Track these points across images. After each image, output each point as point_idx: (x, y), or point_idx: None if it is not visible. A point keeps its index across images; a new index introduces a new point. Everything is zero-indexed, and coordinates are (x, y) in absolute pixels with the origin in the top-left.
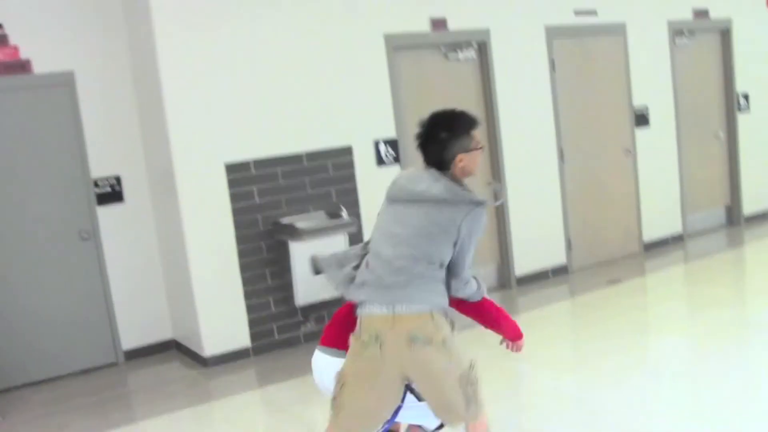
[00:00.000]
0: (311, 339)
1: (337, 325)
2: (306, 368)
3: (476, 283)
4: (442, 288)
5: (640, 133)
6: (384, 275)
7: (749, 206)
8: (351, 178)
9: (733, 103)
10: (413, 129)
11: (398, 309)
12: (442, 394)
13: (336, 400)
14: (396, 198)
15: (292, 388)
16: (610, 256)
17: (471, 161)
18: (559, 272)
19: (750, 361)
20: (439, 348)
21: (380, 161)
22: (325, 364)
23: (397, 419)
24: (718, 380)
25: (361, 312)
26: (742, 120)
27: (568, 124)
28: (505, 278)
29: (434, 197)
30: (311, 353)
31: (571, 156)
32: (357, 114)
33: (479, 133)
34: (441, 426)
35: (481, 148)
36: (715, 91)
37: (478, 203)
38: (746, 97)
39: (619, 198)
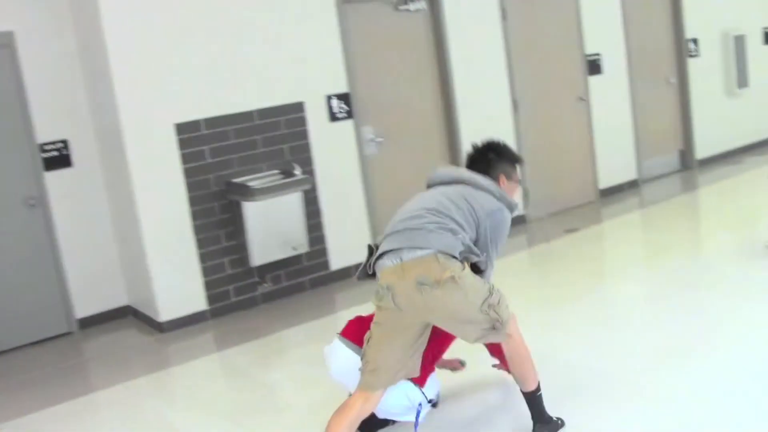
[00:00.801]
0: (269, 299)
1: (361, 321)
2: (264, 328)
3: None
4: (451, 237)
5: (594, 80)
6: (398, 222)
7: (702, 150)
8: (304, 134)
9: (683, 49)
10: (366, 82)
11: (404, 257)
12: (467, 328)
13: (365, 355)
14: (435, 182)
15: (251, 351)
16: (567, 204)
17: (509, 188)
18: (517, 223)
19: (704, 304)
20: (450, 287)
21: (333, 117)
22: (344, 359)
23: (381, 413)
24: (673, 324)
25: (377, 268)
26: (693, 65)
27: (522, 74)
28: None
29: (478, 183)
30: (269, 313)
31: (525, 106)
32: (308, 69)
33: (519, 171)
34: (433, 403)
35: (518, 182)
36: (665, 37)
37: (512, 207)
38: (695, 41)
39: (574, 146)
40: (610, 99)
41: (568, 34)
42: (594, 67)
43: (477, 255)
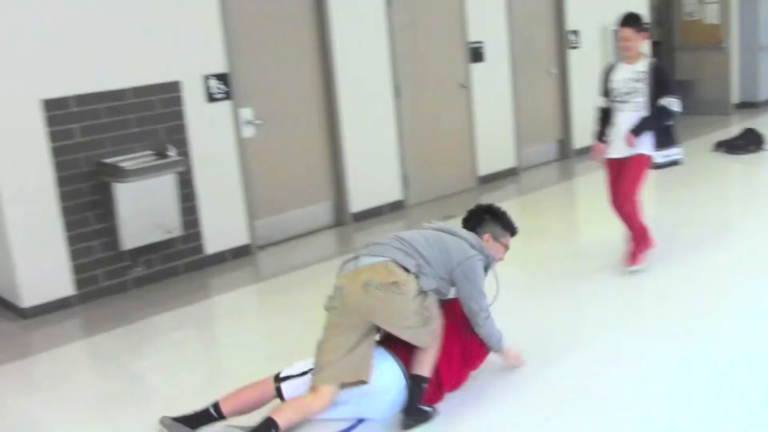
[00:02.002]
0: (141, 284)
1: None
2: (135, 314)
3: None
4: (409, 258)
5: (475, 68)
6: (380, 240)
7: (580, 140)
8: (179, 115)
9: (564, 40)
10: (246, 63)
11: (360, 263)
12: (403, 327)
13: (315, 361)
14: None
15: (120, 337)
16: (446, 190)
17: (492, 247)
18: (396, 208)
19: (580, 290)
20: (393, 290)
21: (211, 97)
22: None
23: (335, 415)
24: (549, 310)
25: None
26: (573, 56)
27: (405, 60)
28: (341, 215)
29: (458, 232)
30: (141, 298)
31: (406, 91)
32: (185, 48)
33: (511, 242)
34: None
35: (506, 249)
36: (547, 28)
37: (488, 259)
38: (576, 33)
39: (455, 133)
40: (492, 87)
41: (452, 22)
42: (476, 54)
43: (444, 293)
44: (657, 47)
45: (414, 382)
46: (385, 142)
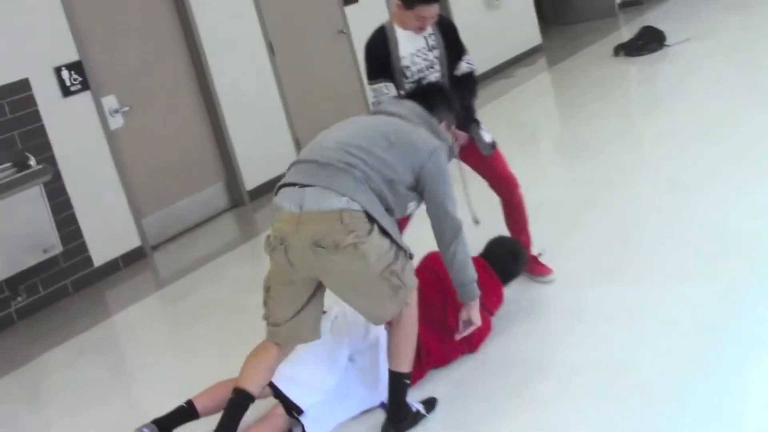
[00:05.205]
0: (27, 314)
1: None
2: (26, 353)
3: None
4: (373, 195)
5: (350, 11)
6: (318, 146)
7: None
8: (35, 116)
9: None
10: (100, 46)
11: (306, 205)
12: (362, 295)
13: (265, 304)
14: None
15: (11, 385)
16: None
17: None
18: None
19: None
20: (350, 253)
21: (66, 91)
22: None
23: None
24: None
25: (275, 201)
26: None
27: (274, 14)
28: (236, 196)
29: (412, 117)
30: (30, 331)
31: (282, 48)
32: (27, 39)
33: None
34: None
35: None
36: None
37: (451, 150)
38: None
39: (340, 82)
40: (371, 28)
41: None
42: None
43: (407, 208)
44: None
45: (392, 380)
46: (269, 107)
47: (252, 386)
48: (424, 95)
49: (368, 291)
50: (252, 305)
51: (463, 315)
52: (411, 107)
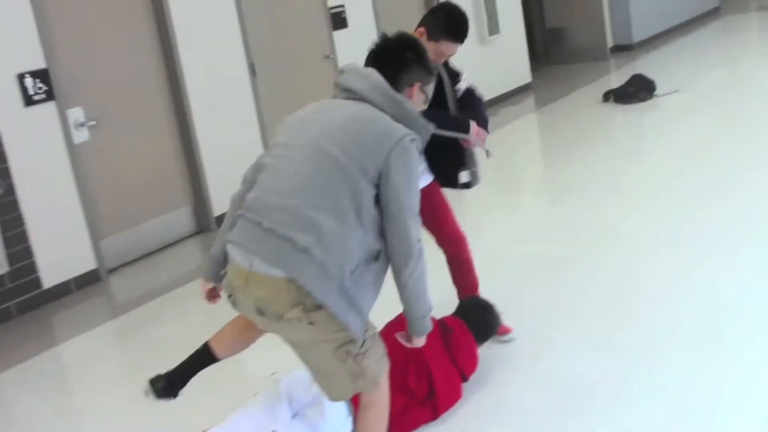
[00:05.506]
0: None
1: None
2: None
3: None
4: (321, 269)
5: (339, 36)
6: (272, 191)
7: None
8: None
9: None
10: (69, 55)
11: (255, 265)
12: (316, 370)
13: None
14: (341, 90)
15: None
16: None
17: (416, 101)
18: None
19: None
20: (295, 326)
21: (29, 100)
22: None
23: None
24: None
25: (228, 243)
26: None
27: (259, 34)
28: (202, 220)
29: (377, 99)
30: None
31: (265, 70)
32: None
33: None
34: None
35: (426, 101)
36: None
37: (424, 130)
38: None
39: None
40: (358, 54)
41: None
42: (339, 20)
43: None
44: None
45: None
46: (245, 131)
47: (220, 351)
48: (392, 56)
49: (322, 367)
50: None
51: (404, 336)
52: (375, 84)
